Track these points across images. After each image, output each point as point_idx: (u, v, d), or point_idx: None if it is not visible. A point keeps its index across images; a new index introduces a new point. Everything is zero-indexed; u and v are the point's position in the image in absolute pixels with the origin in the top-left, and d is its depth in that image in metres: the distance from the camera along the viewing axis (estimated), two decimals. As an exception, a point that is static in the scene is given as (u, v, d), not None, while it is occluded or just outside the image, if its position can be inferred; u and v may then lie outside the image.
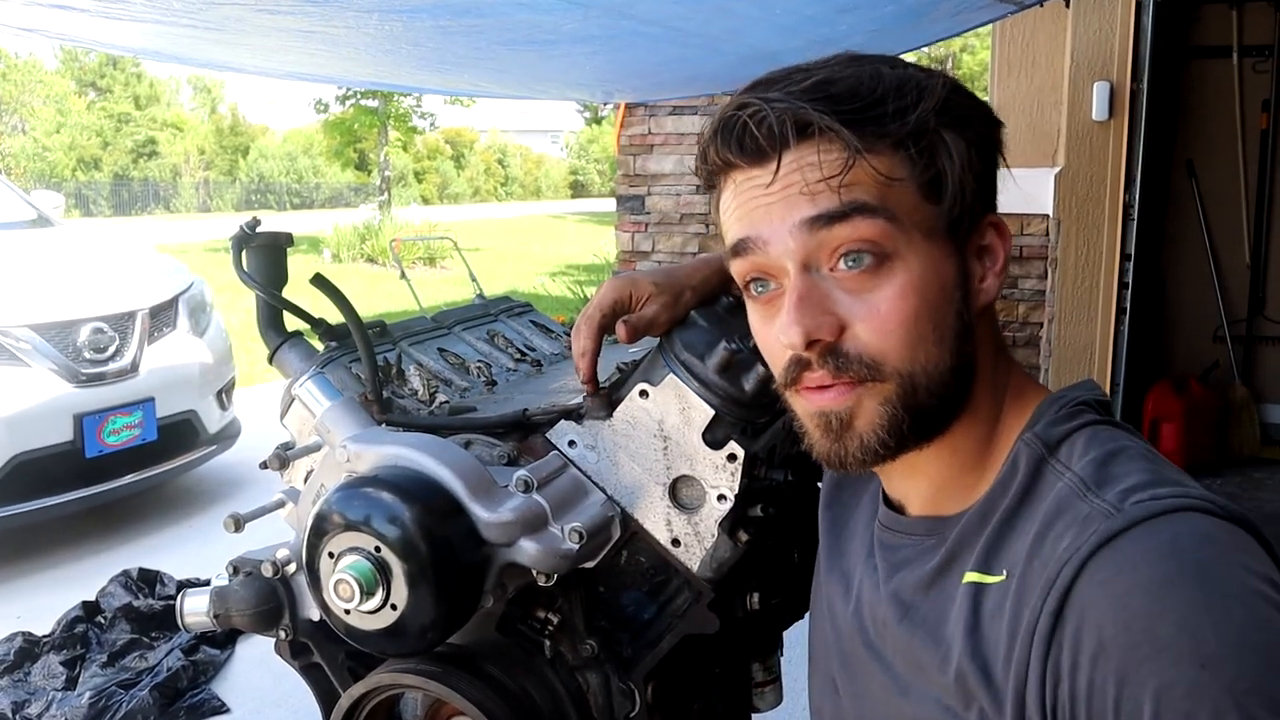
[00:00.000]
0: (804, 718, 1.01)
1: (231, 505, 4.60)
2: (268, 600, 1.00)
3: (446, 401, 1.15)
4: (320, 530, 0.89)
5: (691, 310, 0.99)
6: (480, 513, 0.90)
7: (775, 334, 0.75)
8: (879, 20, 2.45)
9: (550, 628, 1.02)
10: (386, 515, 0.86)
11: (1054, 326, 4.25)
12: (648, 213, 6.27)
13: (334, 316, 1.14)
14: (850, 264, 0.71)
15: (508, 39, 2.38)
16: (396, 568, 0.86)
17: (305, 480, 1.05)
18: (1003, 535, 0.73)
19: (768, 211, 0.73)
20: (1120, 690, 0.61)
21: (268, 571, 1.00)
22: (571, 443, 1.01)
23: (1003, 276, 0.78)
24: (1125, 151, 3.98)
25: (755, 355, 0.95)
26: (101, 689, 2.99)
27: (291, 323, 1.15)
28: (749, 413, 0.95)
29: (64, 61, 39.74)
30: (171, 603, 3.50)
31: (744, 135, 0.72)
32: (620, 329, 0.98)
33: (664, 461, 0.97)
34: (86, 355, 4.07)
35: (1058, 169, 4.21)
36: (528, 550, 0.90)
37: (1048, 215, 4.38)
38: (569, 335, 1.42)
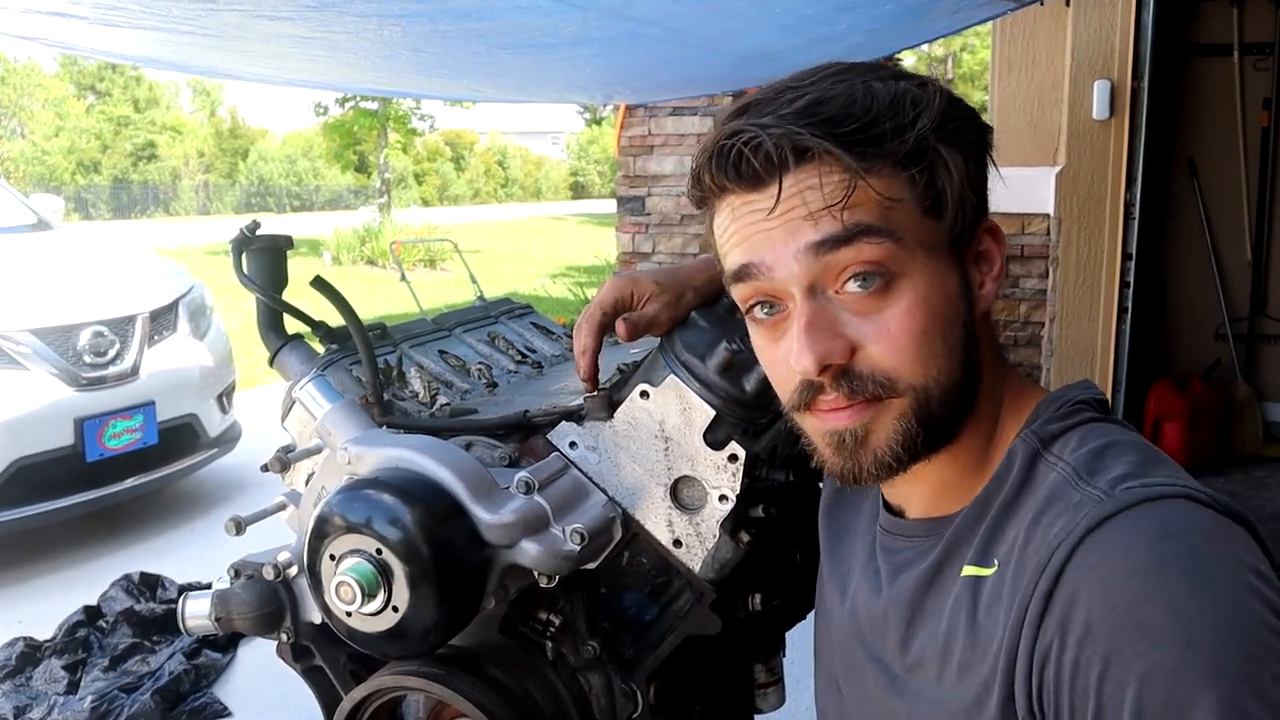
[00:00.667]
0: (806, 718, 1.00)
1: (233, 508, 4.59)
2: (269, 603, 1.00)
3: (447, 403, 1.15)
4: (321, 533, 0.89)
5: (692, 311, 0.99)
6: (481, 514, 0.89)
7: (784, 358, 0.75)
8: (878, 19, 2.45)
9: (552, 629, 1.01)
10: (388, 517, 0.86)
11: (1055, 326, 4.25)
12: (648, 214, 6.27)
13: (334, 319, 1.14)
14: (858, 286, 0.71)
15: (507, 43, 2.38)
16: (398, 570, 0.86)
17: (306, 483, 1.05)
18: (998, 528, 0.74)
19: (769, 237, 0.72)
20: (1105, 670, 0.62)
21: (269, 574, 0.99)
22: (572, 444, 1.01)
23: (1000, 280, 0.79)
24: (1126, 150, 3.98)
25: (755, 356, 0.94)
26: (103, 693, 2.99)
27: (292, 325, 1.15)
28: (750, 413, 0.95)
29: (63, 65, 39.75)
30: (173, 606, 3.49)
31: (740, 161, 0.71)
32: (620, 326, 0.98)
33: (665, 462, 0.97)
34: (87, 359, 4.07)
35: (1058, 168, 4.21)
36: (529, 552, 0.90)
37: (1049, 214, 4.37)
38: (570, 337, 1.42)
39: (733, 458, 0.94)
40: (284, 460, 1.09)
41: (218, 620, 1.02)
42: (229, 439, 4.78)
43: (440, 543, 0.86)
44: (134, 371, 4.21)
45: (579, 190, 52.80)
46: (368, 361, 1.07)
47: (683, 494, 0.98)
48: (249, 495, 4.81)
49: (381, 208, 20.81)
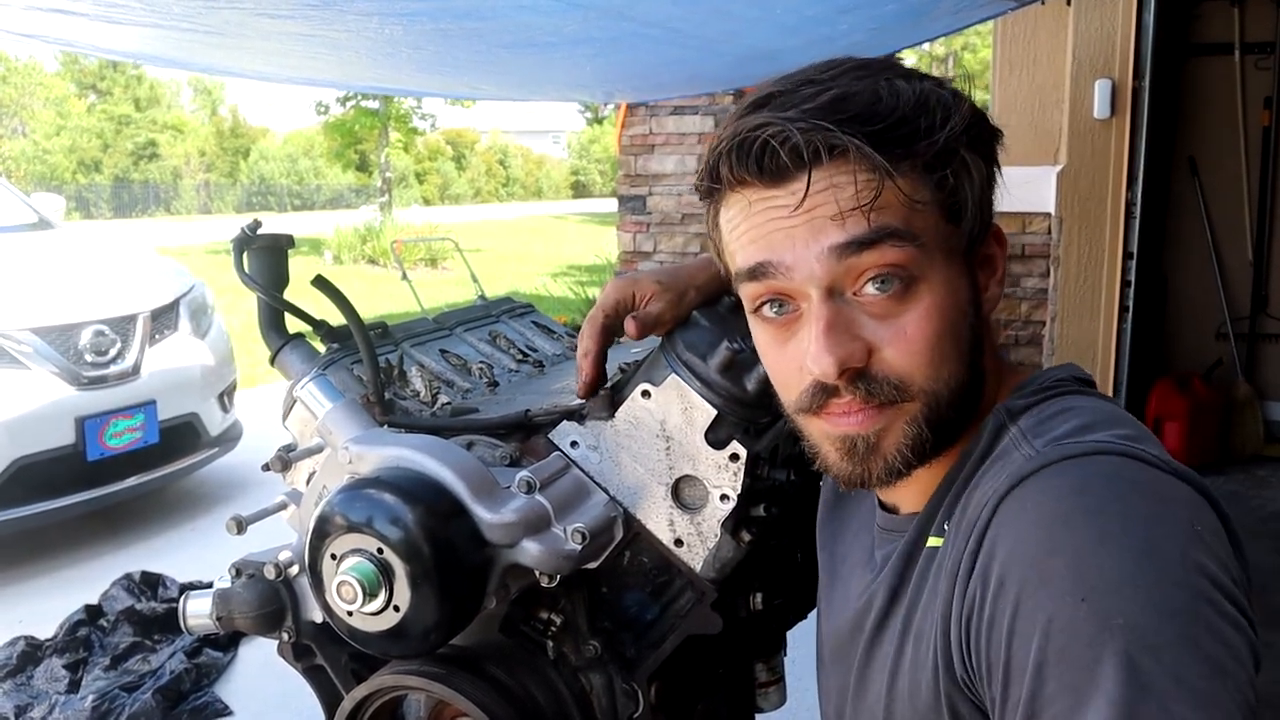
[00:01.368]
0: (808, 718, 1.00)
1: (234, 507, 4.57)
2: (270, 602, 1.00)
3: (448, 403, 1.15)
4: (323, 532, 0.89)
5: (694, 310, 0.99)
6: (483, 514, 0.89)
7: (792, 359, 0.74)
8: (880, 18, 2.45)
9: (553, 629, 1.01)
10: (389, 517, 0.86)
11: (1056, 325, 4.24)
12: (649, 213, 6.27)
13: (335, 318, 1.14)
14: (878, 287, 0.70)
15: (508, 41, 2.38)
16: (399, 569, 0.86)
17: (307, 482, 1.05)
18: (958, 499, 0.74)
19: (789, 235, 0.70)
20: (1014, 622, 0.61)
21: (270, 573, 0.99)
22: (574, 443, 1.01)
23: (1003, 284, 0.79)
24: (1127, 149, 3.98)
25: (757, 355, 0.94)
26: (104, 692, 2.99)
27: (293, 324, 1.15)
28: (751, 412, 0.95)
29: (64, 64, 39.75)
30: (174, 605, 3.49)
31: (763, 155, 0.69)
32: (629, 324, 0.97)
33: (666, 461, 0.97)
34: (88, 358, 4.07)
35: (1060, 167, 4.20)
36: (530, 551, 0.90)
37: (1050, 214, 4.37)
38: (571, 336, 1.42)
39: (734, 457, 0.94)
40: (285, 459, 1.09)
41: (219, 619, 1.02)
42: (230, 438, 4.78)
43: (441, 542, 0.86)
44: (135, 370, 4.21)
45: (580, 189, 52.80)
46: (369, 360, 1.07)
47: (684, 493, 0.98)
48: (250, 494, 4.81)
49: (383, 207, 20.83)
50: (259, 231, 1.11)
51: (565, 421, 1.01)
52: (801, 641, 1.13)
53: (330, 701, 1.10)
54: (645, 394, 0.97)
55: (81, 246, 5.18)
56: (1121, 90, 3.99)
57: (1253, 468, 4.71)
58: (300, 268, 1.14)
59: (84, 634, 3.31)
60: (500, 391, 1.22)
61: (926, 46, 13.91)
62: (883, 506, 0.87)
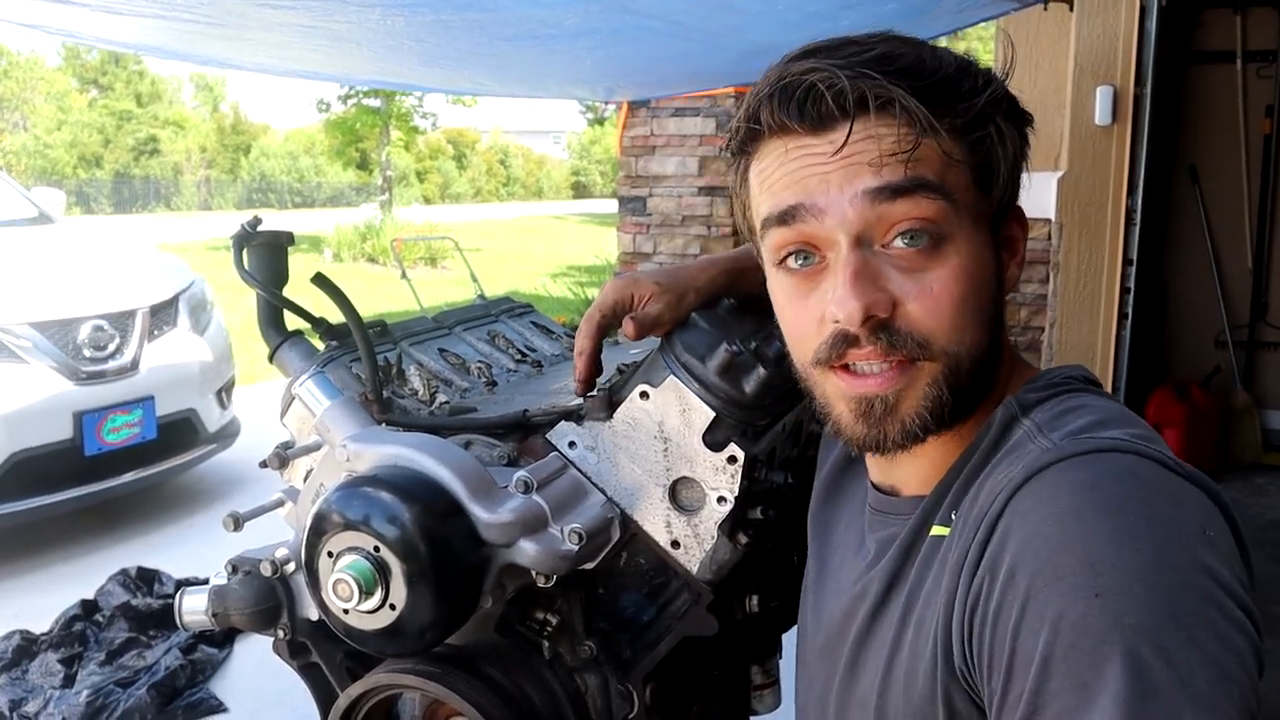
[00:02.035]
0: (803, 721, 1.00)
1: (231, 504, 4.59)
2: (266, 599, 1.00)
3: (447, 402, 1.15)
4: (319, 529, 0.89)
5: (693, 312, 0.99)
6: (480, 513, 0.89)
7: (813, 309, 0.74)
8: (881, 16, 2.45)
9: (549, 629, 1.01)
10: (386, 515, 0.86)
11: (1055, 331, 4.24)
12: (649, 214, 6.28)
13: (335, 316, 1.14)
14: (907, 241, 0.70)
15: (510, 34, 2.38)
16: (395, 568, 0.86)
17: (305, 479, 1.05)
18: (966, 489, 0.74)
19: (825, 180, 0.70)
20: (1022, 616, 0.61)
21: (266, 570, 0.99)
22: (572, 444, 1.01)
23: (1021, 267, 0.80)
24: (1128, 156, 3.98)
25: (756, 357, 0.94)
26: (99, 687, 2.98)
27: (292, 322, 1.15)
28: (750, 415, 0.95)
29: (66, 59, 39.77)
30: (170, 601, 3.49)
31: (807, 100, 0.70)
32: (627, 325, 0.97)
33: (664, 463, 0.97)
34: (86, 353, 4.07)
35: (1060, 173, 4.20)
36: (527, 551, 0.90)
37: (1050, 219, 4.37)
38: (570, 336, 1.42)
39: (732, 459, 0.94)
40: (283, 456, 1.09)
41: (214, 616, 1.01)
42: (228, 434, 4.78)
43: (438, 541, 0.86)
44: (133, 366, 4.21)
45: (580, 190, 52.80)
46: (367, 359, 1.07)
47: (681, 495, 0.98)
48: (247, 491, 4.80)
49: (383, 205, 20.83)
50: (259, 228, 1.11)
51: (563, 422, 1.01)
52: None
53: (325, 699, 1.10)
54: (643, 395, 0.96)
55: (81, 242, 5.18)
56: (1123, 97, 3.99)
57: (1251, 476, 4.71)
58: (300, 265, 1.14)
59: (79, 629, 3.31)
60: (499, 391, 1.22)
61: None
62: (878, 489, 0.86)
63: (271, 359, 1.17)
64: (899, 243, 0.70)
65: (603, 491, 0.99)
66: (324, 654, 1.07)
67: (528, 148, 55.99)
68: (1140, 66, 3.91)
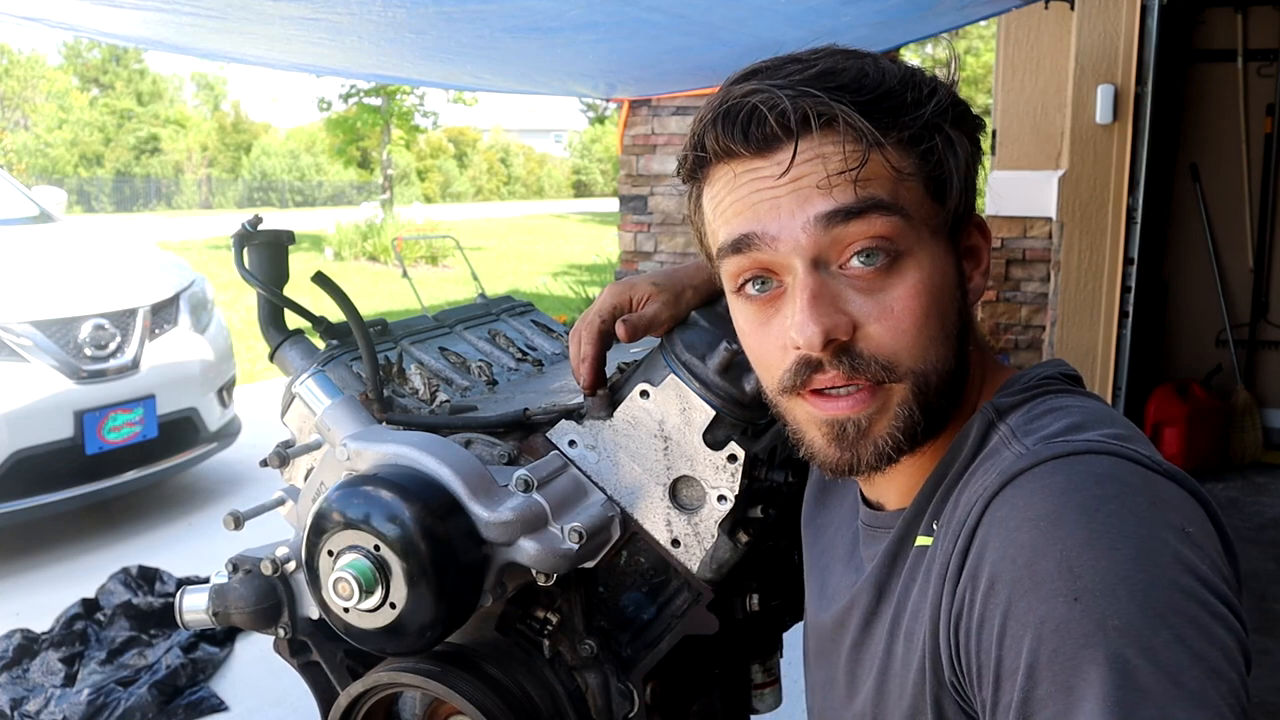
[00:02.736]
0: (803, 720, 1.00)
1: (231, 503, 4.60)
2: (267, 598, 1.00)
3: (447, 400, 1.15)
4: (320, 528, 0.89)
5: (692, 311, 0.99)
6: (480, 512, 0.89)
7: (775, 337, 0.73)
8: (883, 12, 2.45)
9: (549, 628, 1.01)
10: (386, 514, 0.86)
11: (1056, 330, 4.24)
12: (650, 213, 6.27)
13: (335, 315, 1.14)
14: (864, 261, 0.69)
15: (511, 26, 2.38)
16: (396, 566, 0.86)
17: (305, 478, 1.05)
18: (947, 497, 0.74)
19: (775, 205, 0.70)
20: (1005, 624, 0.60)
21: (267, 569, 0.99)
22: (572, 442, 1.01)
23: (987, 276, 0.79)
24: (1129, 155, 3.97)
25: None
26: (100, 686, 2.99)
27: (293, 321, 1.15)
28: (750, 413, 0.95)
29: (67, 57, 39.78)
30: (171, 600, 3.49)
31: (750, 123, 0.69)
32: (620, 328, 0.97)
33: (664, 462, 0.97)
34: (87, 352, 4.07)
35: (1061, 172, 4.20)
36: (527, 550, 0.90)
37: (1051, 218, 4.37)
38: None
39: (732, 458, 0.94)
40: (283, 455, 1.09)
41: (215, 615, 1.02)
42: (228, 433, 4.78)
43: (438, 540, 0.86)
44: (134, 365, 4.21)
45: (581, 189, 52.79)
46: (368, 358, 1.07)
47: (682, 494, 0.98)
48: (248, 490, 4.81)
49: (384, 204, 20.82)
50: (260, 227, 1.11)
51: (563, 420, 1.01)
52: (797, 643, 1.13)
53: (326, 698, 1.10)
54: (644, 394, 0.97)
55: (82, 240, 5.18)
56: (1124, 96, 3.99)
57: (1251, 474, 4.71)
58: (301, 264, 1.15)
59: (80, 628, 3.31)
60: (499, 390, 1.22)
61: (930, 48, 13.91)
62: (867, 504, 0.86)
63: (272, 358, 1.17)
64: (856, 263, 0.70)
65: (603, 490, 0.99)
66: (324, 653, 1.07)
67: (529, 146, 56.01)
68: (1141, 65, 3.91)
